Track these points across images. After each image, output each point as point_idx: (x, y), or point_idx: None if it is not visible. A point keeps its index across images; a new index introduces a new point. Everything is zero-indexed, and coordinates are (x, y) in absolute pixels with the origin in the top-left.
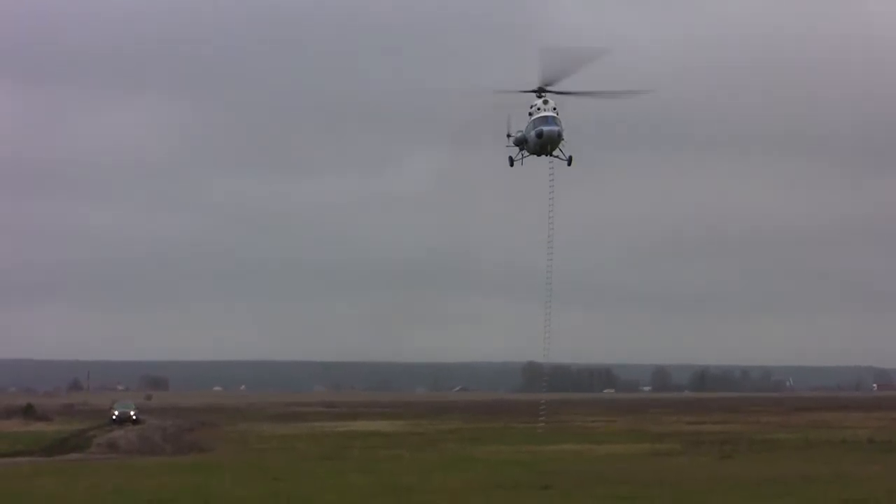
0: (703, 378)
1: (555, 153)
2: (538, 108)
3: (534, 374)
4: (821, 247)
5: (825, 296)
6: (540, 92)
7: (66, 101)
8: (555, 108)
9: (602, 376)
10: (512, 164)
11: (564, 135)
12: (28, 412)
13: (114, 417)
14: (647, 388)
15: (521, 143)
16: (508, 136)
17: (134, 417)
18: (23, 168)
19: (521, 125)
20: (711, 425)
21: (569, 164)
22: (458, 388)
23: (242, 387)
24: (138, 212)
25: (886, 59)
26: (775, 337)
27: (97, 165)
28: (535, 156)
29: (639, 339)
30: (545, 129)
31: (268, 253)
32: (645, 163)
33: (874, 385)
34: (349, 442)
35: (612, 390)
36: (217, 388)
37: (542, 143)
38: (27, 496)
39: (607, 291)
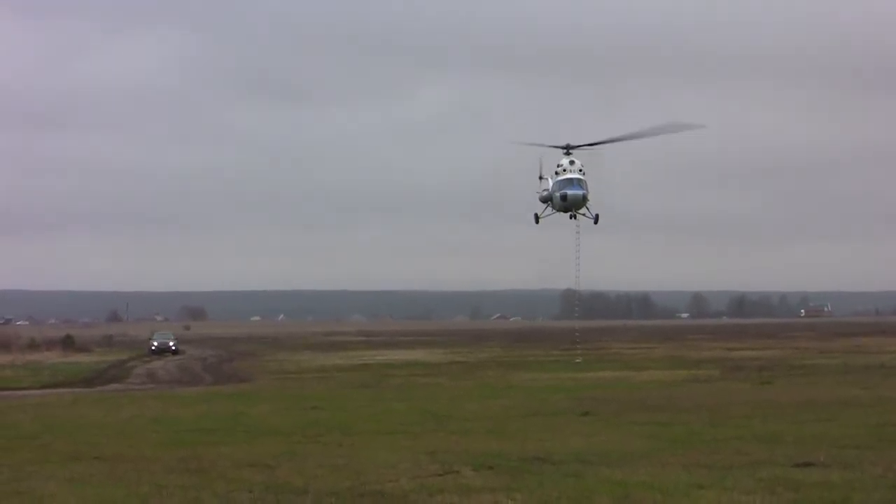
0: (741, 304)
1: (581, 211)
2: (564, 170)
3: (572, 301)
4: (859, 171)
5: (863, 221)
6: (567, 149)
7: (86, 34)
8: (581, 170)
9: (640, 303)
10: (538, 221)
11: (590, 196)
12: (67, 343)
13: (153, 348)
14: (684, 315)
15: (546, 200)
16: (540, 178)
17: (173, 348)
18: (55, 100)
19: (550, 168)
20: (750, 351)
21: (595, 223)
22: (496, 316)
23: (281, 316)
24: (172, 143)
25: None
26: (813, 262)
27: (125, 97)
28: (561, 213)
29: (676, 265)
30: (569, 192)
31: (305, 182)
32: (680, 87)
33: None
34: (388, 371)
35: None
36: (255, 318)
37: (567, 205)
38: (69, 424)
39: (644, 219)
